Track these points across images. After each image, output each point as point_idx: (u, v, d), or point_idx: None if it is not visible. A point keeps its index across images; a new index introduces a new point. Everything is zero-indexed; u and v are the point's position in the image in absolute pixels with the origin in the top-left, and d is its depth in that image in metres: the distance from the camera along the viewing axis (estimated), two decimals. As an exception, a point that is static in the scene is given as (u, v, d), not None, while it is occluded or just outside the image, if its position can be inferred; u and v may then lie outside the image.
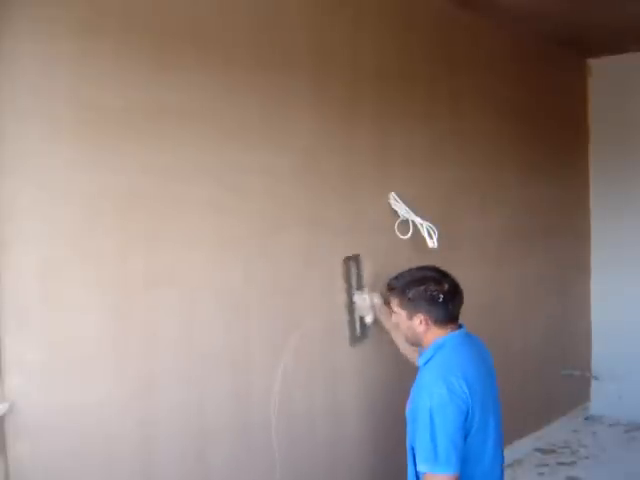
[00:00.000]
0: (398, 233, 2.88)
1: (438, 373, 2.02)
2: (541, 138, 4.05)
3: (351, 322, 2.71)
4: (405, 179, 3.00)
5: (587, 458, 3.82)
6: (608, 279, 4.46)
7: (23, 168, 1.77)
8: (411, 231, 2.86)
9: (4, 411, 1.71)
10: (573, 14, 3.49)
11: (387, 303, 2.32)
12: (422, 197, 3.05)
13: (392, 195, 2.90)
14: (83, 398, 1.89)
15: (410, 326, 2.18)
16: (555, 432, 4.10)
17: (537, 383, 3.98)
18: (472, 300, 3.43)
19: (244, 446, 2.33)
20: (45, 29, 1.81)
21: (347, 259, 2.68)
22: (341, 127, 2.69)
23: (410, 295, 2.15)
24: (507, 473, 3.53)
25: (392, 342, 2.66)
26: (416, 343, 2.23)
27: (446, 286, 2.15)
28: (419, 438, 1.97)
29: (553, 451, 3.94)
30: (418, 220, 2.85)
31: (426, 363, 2.11)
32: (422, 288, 2.14)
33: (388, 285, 2.28)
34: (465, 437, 1.98)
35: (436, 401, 1.95)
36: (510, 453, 3.65)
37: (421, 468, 1.96)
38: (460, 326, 2.19)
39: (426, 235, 2.83)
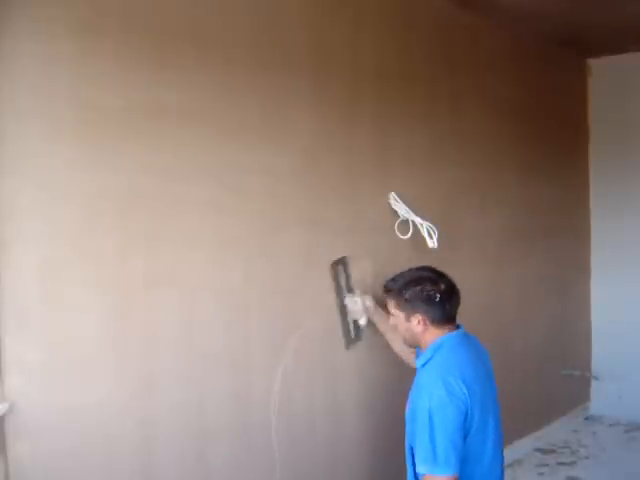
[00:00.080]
0: (398, 233, 2.88)
1: (437, 374, 2.02)
2: (541, 138, 4.05)
3: (344, 325, 2.68)
4: (405, 179, 3.00)
5: (587, 458, 3.82)
6: (608, 279, 4.46)
7: (23, 168, 1.77)
8: (411, 231, 2.86)
9: (4, 411, 1.71)
10: (573, 14, 3.49)
11: (384, 305, 2.32)
12: (422, 197, 3.05)
13: (392, 195, 2.90)
14: (83, 398, 1.89)
15: (408, 327, 2.18)
16: (555, 432, 4.10)
17: (537, 383, 3.98)
18: (472, 300, 3.45)
19: (244, 446, 2.33)
20: (45, 29, 1.81)
21: (335, 263, 2.63)
22: (341, 127, 2.69)
23: (407, 296, 2.16)
24: (507, 473, 3.53)
25: (388, 345, 2.66)
26: (414, 344, 2.24)
27: (442, 286, 2.16)
28: (418, 439, 1.97)
29: (553, 451, 3.94)
30: (418, 220, 2.85)
31: (424, 364, 2.11)
32: (419, 288, 2.15)
33: (385, 287, 2.28)
34: (464, 437, 1.99)
35: (435, 402, 1.95)
36: (510, 453, 3.65)
37: (420, 469, 1.96)
38: (458, 326, 2.19)
39: (426, 235, 2.83)
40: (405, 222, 2.89)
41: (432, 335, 2.14)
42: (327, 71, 2.64)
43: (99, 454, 1.93)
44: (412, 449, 2.07)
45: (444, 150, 3.27)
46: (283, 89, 2.46)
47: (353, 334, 2.70)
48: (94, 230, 1.91)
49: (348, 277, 2.67)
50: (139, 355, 2.03)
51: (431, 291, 2.14)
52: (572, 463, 3.76)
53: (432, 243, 2.82)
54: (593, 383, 4.53)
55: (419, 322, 2.14)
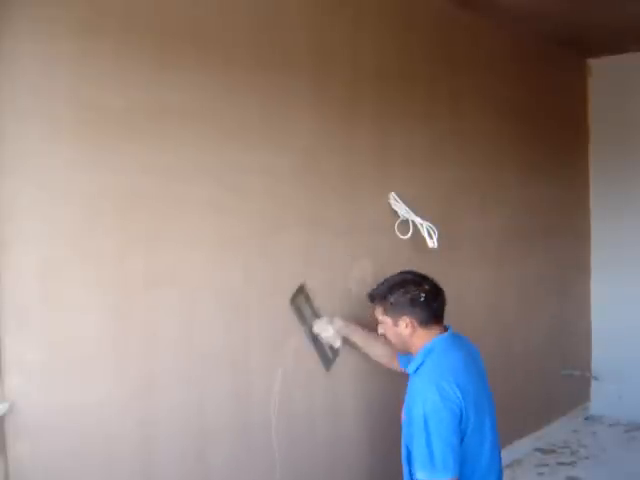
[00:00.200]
0: (398, 233, 2.88)
1: (429, 379, 2.02)
2: (541, 138, 4.05)
3: (320, 352, 2.57)
4: (405, 179, 3.00)
5: (587, 458, 3.82)
6: (608, 279, 4.46)
7: (23, 168, 1.77)
8: (411, 231, 2.86)
9: (4, 411, 1.71)
10: (573, 14, 3.49)
11: (374, 317, 2.31)
12: (422, 197, 3.05)
13: (392, 195, 2.90)
14: (83, 398, 1.89)
15: (396, 332, 2.20)
16: (555, 432, 4.10)
17: (537, 383, 3.98)
18: (472, 300, 3.47)
19: (244, 446, 2.33)
20: (45, 29, 1.81)
21: (294, 297, 2.47)
22: (341, 127, 2.69)
23: (392, 300, 2.18)
24: (507, 473, 3.54)
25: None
26: (405, 351, 2.24)
27: (426, 286, 2.18)
28: (415, 446, 1.98)
29: (553, 451, 3.93)
30: (418, 220, 2.86)
31: (417, 370, 2.11)
32: (402, 291, 2.17)
33: (369, 296, 2.30)
34: (461, 440, 1.99)
35: (429, 407, 1.95)
36: (510, 453, 3.65)
37: (419, 476, 1.95)
38: (446, 328, 2.20)
39: (426, 235, 2.83)
40: (405, 222, 2.89)
41: (421, 338, 2.15)
42: (327, 71, 2.64)
43: (99, 454, 1.93)
44: (408, 450, 2.08)
45: (444, 150, 3.27)
46: (283, 89, 2.46)
47: (331, 357, 2.61)
48: (94, 230, 1.91)
49: (311, 304, 2.53)
50: (139, 355, 2.03)
51: (415, 292, 2.16)
52: (572, 463, 3.76)
53: (432, 243, 2.82)
54: (593, 383, 4.53)
55: (407, 325, 2.16)
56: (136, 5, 2.01)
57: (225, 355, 2.27)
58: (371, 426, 2.81)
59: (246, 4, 2.34)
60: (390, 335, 2.23)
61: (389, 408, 2.61)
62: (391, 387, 2.74)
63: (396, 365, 2.47)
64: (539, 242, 4.04)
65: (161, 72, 2.07)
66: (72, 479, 1.88)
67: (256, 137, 2.36)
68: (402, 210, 2.88)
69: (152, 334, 2.06)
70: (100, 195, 1.92)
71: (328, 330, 2.51)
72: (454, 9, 3.29)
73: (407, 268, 2.35)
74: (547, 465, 3.74)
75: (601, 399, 4.49)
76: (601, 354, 4.52)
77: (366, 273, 2.77)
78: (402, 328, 2.17)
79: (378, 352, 2.56)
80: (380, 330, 2.28)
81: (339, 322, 2.54)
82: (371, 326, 2.43)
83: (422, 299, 2.14)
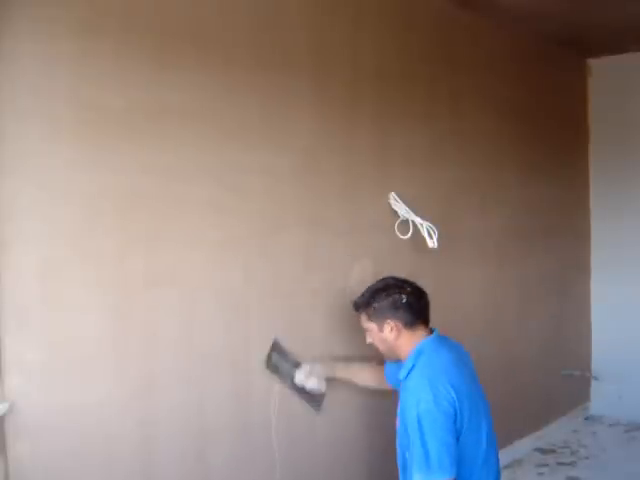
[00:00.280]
0: (398, 233, 2.88)
1: (422, 379, 2.03)
2: (541, 138, 4.05)
3: (307, 398, 2.49)
4: (405, 179, 3.00)
5: (587, 458, 3.82)
6: (608, 279, 4.46)
7: (23, 168, 1.77)
8: (411, 231, 2.86)
9: (4, 411, 1.71)
10: (573, 14, 3.49)
11: (364, 328, 2.30)
12: (422, 197, 3.05)
13: (392, 195, 2.90)
14: (83, 398, 1.89)
15: (382, 338, 2.21)
16: (555, 432, 4.10)
17: (537, 383, 3.98)
18: (472, 300, 3.47)
19: (244, 446, 2.33)
20: (45, 29, 1.81)
21: (268, 359, 2.38)
22: (341, 127, 2.69)
23: (375, 305, 2.21)
24: (507, 473, 3.55)
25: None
26: (394, 357, 2.25)
27: (408, 289, 2.21)
28: (412, 449, 1.98)
29: (553, 451, 3.93)
30: (418, 220, 2.86)
31: (408, 374, 2.12)
32: (384, 294, 2.20)
33: (354, 305, 2.31)
34: (456, 439, 1.99)
35: (423, 407, 1.96)
36: (510, 453, 3.66)
37: (417, 478, 1.95)
38: (432, 330, 2.22)
39: (426, 235, 2.83)
40: (405, 222, 2.89)
41: (408, 341, 2.16)
42: (327, 71, 2.64)
43: (99, 454, 1.93)
44: (404, 457, 2.09)
45: (444, 150, 3.27)
46: (283, 89, 2.46)
47: (318, 399, 2.53)
48: (94, 230, 1.91)
49: (287, 357, 2.44)
50: (139, 355, 2.03)
51: (396, 295, 2.18)
52: (572, 463, 3.76)
53: (432, 243, 2.82)
54: (593, 383, 4.53)
55: (391, 329, 2.17)
56: (136, 5, 2.01)
57: (225, 355, 2.27)
58: (372, 425, 2.81)
59: (246, 4, 2.34)
60: (377, 342, 2.25)
61: (390, 407, 2.61)
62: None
63: (384, 384, 2.46)
64: (539, 242, 4.04)
65: (161, 72, 2.07)
66: (72, 479, 1.88)
67: (256, 137, 2.37)
68: (402, 210, 2.88)
69: (152, 334, 2.06)
70: (100, 195, 1.92)
71: (310, 380, 2.42)
72: (454, 9, 3.29)
73: (388, 274, 2.35)
74: (547, 465, 3.74)
75: (601, 399, 4.49)
76: (601, 354, 4.51)
77: (366, 273, 2.76)
78: (387, 333, 2.19)
79: (365, 377, 2.55)
80: (368, 339, 2.29)
81: (319, 368, 2.45)
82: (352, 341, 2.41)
83: (404, 301, 2.17)
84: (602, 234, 4.50)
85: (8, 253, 1.74)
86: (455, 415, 1.98)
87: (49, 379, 1.83)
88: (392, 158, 2.95)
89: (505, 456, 3.53)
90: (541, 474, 3.64)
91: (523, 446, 3.85)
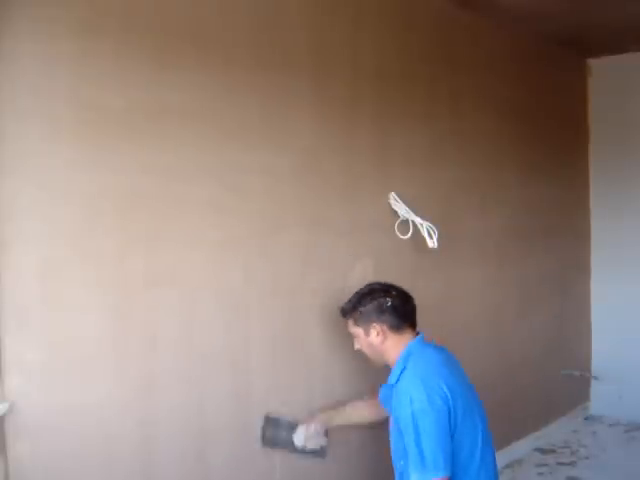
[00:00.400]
0: (398, 233, 2.88)
1: (415, 379, 2.04)
2: (541, 138, 4.05)
3: (311, 454, 2.44)
4: (405, 179, 3.00)
5: (587, 458, 3.82)
6: (608, 279, 4.46)
7: (23, 168, 1.77)
8: (411, 231, 2.86)
9: (4, 411, 1.71)
10: (573, 14, 3.49)
11: (351, 333, 2.31)
12: (422, 197, 3.05)
13: (392, 195, 2.90)
14: (83, 398, 1.89)
15: (369, 343, 2.22)
16: (555, 432, 4.10)
17: (537, 383, 3.98)
18: (472, 300, 3.47)
19: (244, 446, 2.33)
20: (45, 29, 1.81)
21: (263, 434, 2.36)
22: (341, 127, 2.69)
23: (361, 309, 2.23)
24: (507, 473, 3.55)
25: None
26: (382, 362, 2.26)
27: (393, 292, 2.23)
28: (408, 448, 1.98)
29: (553, 451, 3.93)
30: (418, 220, 2.86)
31: (399, 378, 2.12)
32: (369, 298, 2.22)
33: (341, 311, 2.32)
34: (451, 437, 1.99)
35: (417, 406, 1.96)
36: (510, 453, 3.66)
37: (413, 477, 1.95)
38: (418, 333, 2.23)
39: (426, 235, 2.84)
40: (405, 222, 2.89)
41: (395, 344, 2.17)
42: (327, 71, 2.64)
43: (99, 454, 1.93)
44: (400, 461, 2.09)
45: (444, 150, 3.27)
46: (283, 89, 2.46)
47: (320, 450, 2.48)
48: (94, 230, 1.91)
49: (283, 425, 2.40)
50: (139, 355, 2.03)
51: (382, 298, 2.20)
52: (572, 463, 3.76)
53: (432, 243, 2.82)
54: (593, 383, 4.53)
55: (378, 333, 2.19)
56: (136, 5, 2.01)
57: (225, 355, 2.27)
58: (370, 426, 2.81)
59: (246, 4, 2.34)
60: (364, 347, 2.26)
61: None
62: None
63: (380, 409, 2.38)
64: (539, 242, 4.04)
65: (161, 72, 2.07)
66: (72, 479, 1.88)
67: (256, 137, 2.37)
68: (402, 210, 2.88)
69: (152, 334, 2.06)
70: (100, 195, 1.92)
71: (310, 441, 2.39)
72: (454, 9, 3.29)
73: (372, 280, 2.37)
74: (547, 465, 3.74)
75: (601, 399, 4.49)
76: (601, 354, 4.51)
77: (366, 273, 2.77)
78: (373, 337, 2.20)
79: (360, 413, 2.50)
80: (356, 345, 2.30)
81: (316, 425, 2.40)
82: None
83: (389, 304, 2.19)
84: (602, 234, 4.50)
85: (8, 253, 1.74)
86: (449, 413, 1.98)
87: (49, 379, 1.83)
88: (392, 158, 2.95)
89: (505, 456, 3.54)
90: (541, 474, 3.64)
91: (523, 446, 3.84)
